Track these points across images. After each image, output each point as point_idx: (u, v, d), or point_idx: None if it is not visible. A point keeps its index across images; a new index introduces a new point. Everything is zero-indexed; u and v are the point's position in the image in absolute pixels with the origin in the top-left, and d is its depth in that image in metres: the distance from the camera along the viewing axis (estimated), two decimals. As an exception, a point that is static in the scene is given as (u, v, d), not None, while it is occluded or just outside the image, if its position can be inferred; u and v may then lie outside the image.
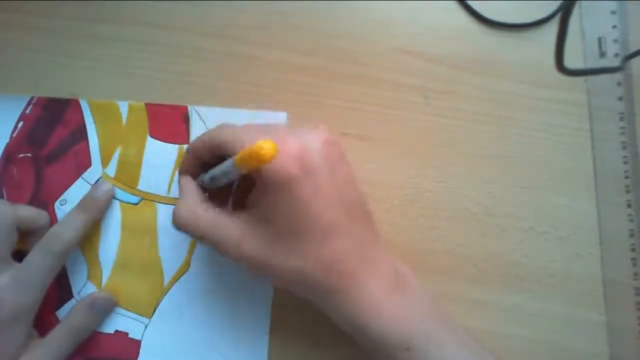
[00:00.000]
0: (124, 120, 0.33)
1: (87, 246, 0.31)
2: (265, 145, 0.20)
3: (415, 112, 0.33)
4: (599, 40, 0.34)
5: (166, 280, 0.31)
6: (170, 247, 0.31)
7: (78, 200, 0.31)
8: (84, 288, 0.31)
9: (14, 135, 0.33)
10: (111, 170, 0.32)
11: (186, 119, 0.33)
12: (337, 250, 0.24)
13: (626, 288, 0.30)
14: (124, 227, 0.32)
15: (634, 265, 0.31)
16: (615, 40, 0.34)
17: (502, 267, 0.31)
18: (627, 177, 0.32)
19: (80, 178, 0.32)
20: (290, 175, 0.23)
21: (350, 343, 0.26)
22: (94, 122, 0.33)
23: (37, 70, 0.34)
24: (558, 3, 0.34)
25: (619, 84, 0.33)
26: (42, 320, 0.30)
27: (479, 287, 0.31)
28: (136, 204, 0.32)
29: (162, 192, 0.32)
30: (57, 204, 0.32)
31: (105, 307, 0.30)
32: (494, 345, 0.30)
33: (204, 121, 0.33)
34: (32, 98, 0.33)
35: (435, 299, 0.26)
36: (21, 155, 0.33)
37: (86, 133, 0.33)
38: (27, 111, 0.33)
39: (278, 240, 0.24)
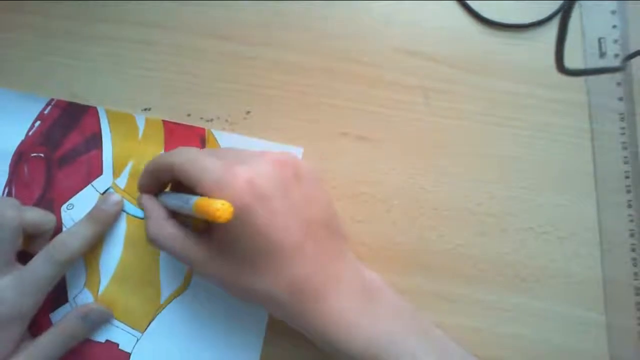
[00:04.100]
0: (140, 133, 0.33)
1: (89, 254, 0.31)
2: (221, 208, 0.21)
3: (415, 112, 0.33)
4: (599, 40, 0.34)
5: (163, 298, 0.31)
6: (171, 266, 0.31)
7: (85, 206, 0.31)
8: (80, 294, 0.31)
9: (30, 133, 0.33)
10: (122, 181, 0.32)
11: (202, 141, 0.33)
12: (299, 272, 0.24)
13: (626, 288, 0.30)
14: (127, 240, 0.32)
15: (634, 265, 0.31)
16: (615, 41, 0.34)
17: (502, 267, 0.31)
18: (627, 177, 0.32)
19: (89, 185, 0.32)
20: (243, 205, 0.23)
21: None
22: (110, 131, 0.33)
23: (37, 70, 0.34)
24: (558, 3, 0.34)
25: (619, 84, 0.33)
26: (35, 321, 0.30)
27: (479, 287, 0.31)
28: (142, 219, 0.32)
29: None
30: (64, 207, 0.32)
31: (99, 320, 0.30)
32: (494, 345, 0.30)
33: (220, 145, 0.33)
34: (51, 100, 0.34)
35: (410, 307, 0.26)
36: (34, 154, 0.33)
37: (101, 141, 0.33)
38: (46, 111, 0.33)
39: (241, 264, 0.24)
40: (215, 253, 0.25)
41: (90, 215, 0.30)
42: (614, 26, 0.34)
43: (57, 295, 0.31)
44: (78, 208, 0.32)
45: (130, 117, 0.33)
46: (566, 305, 0.30)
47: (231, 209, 0.21)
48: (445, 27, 0.34)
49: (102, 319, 0.30)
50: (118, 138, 0.33)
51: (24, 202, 0.31)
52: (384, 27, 0.34)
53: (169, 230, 0.26)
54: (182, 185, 0.26)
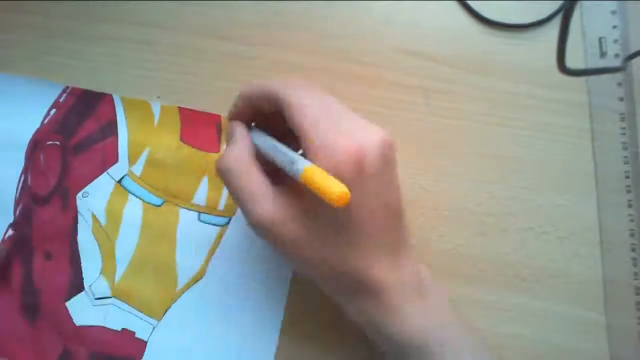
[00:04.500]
0: (156, 120, 0.33)
1: (105, 241, 0.31)
2: (340, 196, 0.20)
3: (415, 112, 0.33)
4: (600, 40, 0.34)
5: (179, 286, 0.31)
6: (188, 254, 0.31)
7: (100, 194, 0.32)
8: (96, 282, 0.31)
9: (45, 121, 0.33)
10: (138, 169, 0.32)
11: (218, 128, 0.33)
12: (371, 255, 0.24)
13: (626, 288, 0.30)
14: (144, 227, 0.32)
15: (634, 265, 0.31)
16: (615, 41, 0.34)
17: (502, 267, 0.31)
18: (627, 177, 0.32)
19: (105, 173, 0.32)
20: (344, 180, 0.21)
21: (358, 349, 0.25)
22: (126, 118, 0.33)
23: (37, 70, 0.34)
24: (558, 3, 0.34)
25: (619, 84, 0.33)
26: (52, 309, 0.30)
27: (479, 287, 0.31)
28: (159, 206, 0.32)
29: (187, 197, 0.32)
30: (79, 195, 0.32)
31: None
32: (494, 345, 0.30)
33: None
34: (67, 87, 0.34)
35: (454, 308, 0.26)
36: (50, 142, 0.33)
37: (116, 129, 0.33)
38: (61, 99, 0.33)
39: (317, 232, 0.23)
40: (294, 212, 0.23)
41: None
42: (614, 26, 0.34)
43: (73, 283, 0.31)
44: (93, 196, 0.32)
45: (146, 104, 0.33)
46: (566, 305, 0.30)
47: (348, 196, 0.20)
48: (446, 27, 0.34)
49: None
50: (134, 125, 0.33)
51: (40, 191, 0.31)
52: (384, 27, 0.34)
53: (251, 167, 0.24)
54: (274, 120, 0.25)
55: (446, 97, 0.33)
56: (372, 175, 0.23)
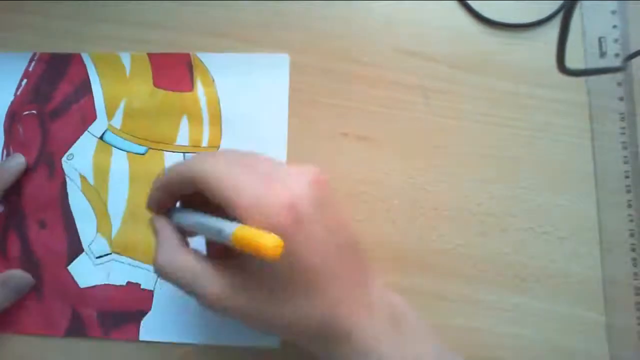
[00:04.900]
0: (128, 71, 0.33)
1: (96, 199, 0.32)
2: (273, 246, 0.20)
3: (415, 112, 0.33)
4: (600, 40, 0.34)
5: None
6: None
7: (85, 153, 0.32)
8: (94, 242, 0.31)
9: (18, 93, 0.33)
10: (117, 121, 0.33)
11: (189, 67, 0.33)
12: (332, 297, 0.23)
13: (626, 288, 0.30)
14: (132, 177, 0.32)
15: (634, 265, 0.31)
16: (615, 40, 0.34)
17: (502, 267, 0.31)
18: (627, 177, 0.32)
19: (86, 132, 0.33)
20: (279, 230, 0.21)
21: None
22: (98, 75, 0.33)
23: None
24: (558, 3, 0.34)
25: (619, 84, 0.33)
26: (55, 276, 0.31)
27: (479, 287, 0.31)
28: (143, 154, 0.32)
29: (170, 140, 0.32)
30: (64, 159, 0.32)
31: (19, 285, 0.30)
32: (494, 345, 0.30)
33: (207, 67, 0.33)
34: (34, 54, 0.34)
35: (432, 331, 0.26)
36: (26, 112, 0.33)
37: (90, 86, 0.33)
38: (30, 68, 0.34)
39: (270, 292, 0.23)
40: (236, 283, 0.23)
41: None
42: (614, 26, 0.34)
43: (72, 246, 0.32)
44: (78, 157, 0.32)
45: (115, 56, 0.34)
46: (566, 305, 0.30)
47: (282, 245, 0.20)
48: (445, 27, 0.34)
49: (23, 285, 0.31)
50: (106, 80, 0.33)
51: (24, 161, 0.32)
52: (384, 27, 0.34)
53: (180, 260, 0.23)
54: (197, 199, 0.24)
55: (446, 97, 0.33)
56: (312, 221, 0.22)
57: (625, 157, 0.32)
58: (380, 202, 0.32)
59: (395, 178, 0.32)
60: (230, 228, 0.21)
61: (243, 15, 0.34)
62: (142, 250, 0.31)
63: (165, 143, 0.32)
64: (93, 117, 0.33)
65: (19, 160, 0.32)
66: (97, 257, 0.31)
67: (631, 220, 0.31)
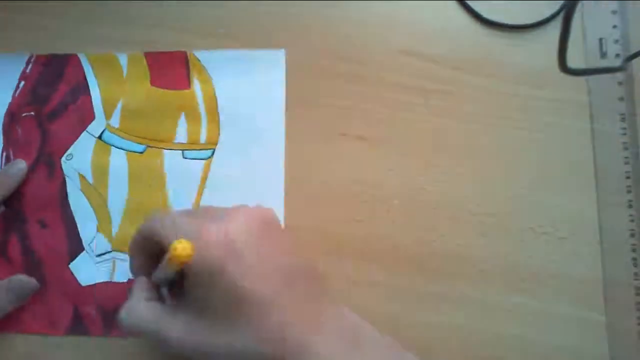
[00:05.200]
0: (125, 71, 0.33)
1: (96, 199, 0.32)
2: (179, 246, 0.21)
3: (415, 113, 0.33)
4: (600, 40, 0.34)
5: None
6: (179, 191, 0.32)
7: (84, 153, 0.32)
8: (94, 240, 0.32)
9: (16, 94, 0.33)
10: (115, 121, 0.33)
11: (186, 65, 0.33)
12: (280, 321, 0.23)
13: (627, 288, 0.30)
14: (131, 176, 0.32)
15: (635, 265, 0.31)
16: (616, 41, 0.34)
17: (502, 267, 0.31)
18: (628, 178, 0.32)
19: (85, 132, 0.33)
20: (216, 262, 0.23)
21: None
22: (95, 75, 0.33)
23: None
24: (559, 3, 0.34)
25: (620, 84, 0.33)
26: (57, 275, 0.31)
27: (479, 288, 0.31)
28: (142, 153, 0.32)
29: (169, 139, 0.33)
30: (63, 159, 0.33)
31: (24, 290, 0.31)
32: (494, 345, 0.30)
33: (204, 64, 0.33)
34: (31, 56, 0.34)
35: (393, 343, 0.26)
36: (24, 114, 0.33)
37: (88, 87, 0.33)
38: (28, 70, 0.34)
39: (218, 326, 0.23)
40: (189, 322, 0.24)
41: None
42: (615, 26, 0.34)
43: (73, 245, 0.32)
44: (77, 156, 0.33)
45: (112, 56, 0.34)
46: (566, 305, 0.30)
47: (190, 245, 0.21)
48: (446, 27, 0.34)
49: (28, 288, 0.31)
50: (104, 80, 0.33)
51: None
52: (383, 27, 0.34)
53: (139, 311, 0.25)
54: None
55: (446, 97, 0.33)
56: (248, 251, 0.23)
57: (625, 157, 0.32)
58: (380, 203, 0.32)
59: (395, 178, 0.32)
60: (166, 256, 0.23)
61: (243, 15, 0.35)
62: None
63: (163, 141, 0.33)
64: (91, 117, 0.33)
65: (20, 167, 0.32)
66: (98, 255, 0.32)
67: (632, 221, 0.31)
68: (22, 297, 0.31)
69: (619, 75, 0.33)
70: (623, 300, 0.30)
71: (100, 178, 0.32)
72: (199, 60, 0.33)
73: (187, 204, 0.32)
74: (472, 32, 0.34)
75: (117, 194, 0.32)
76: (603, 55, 0.34)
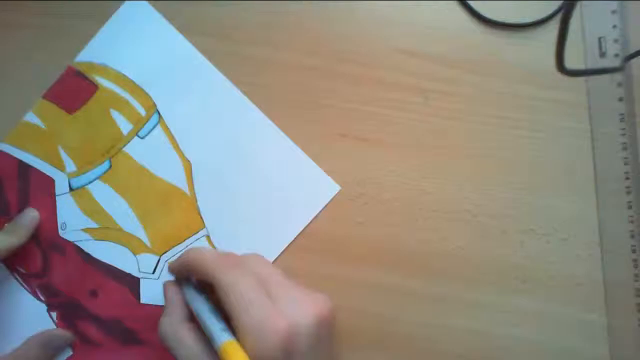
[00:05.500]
0: (41, 124, 0.33)
1: (112, 234, 0.32)
2: (232, 353, 0.22)
3: (414, 113, 0.33)
4: (599, 40, 0.34)
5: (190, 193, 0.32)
6: (168, 170, 0.32)
7: (72, 213, 0.32)
8: (139, 264, 0.32)
9: None
10: (70, 166, 0.33)
11: (81, 73, 0.33)
12: None
13: (627, 289, 0.30)
14: (120, 191, 0.32)
15: (635, 266, 0.31)
16: (615, 40, 0.34)
17: (502, 268, 0.31)
18: (627, 179, 0.32)
19: (56, 197, 0.32)
20: (272, 358, 0.22)
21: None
22: (25, 150, 0.33)
23: (37, 71, 0.34)
24: (558, 3, 0.34)
25: (619, 84, 0.33)
26: (136, 319, 0.31)
27: (480, 289, 0.31)
28: (110, 167, 0.33)
29: (118, 138, 0.33)
30: (60, 232, 0.32)
31: (60, 345, 0.31)
32: (495, 346, 0.30)
33: (91, 61, 0.33)
34: None
35: None
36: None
37: (26, 165, 0.33)
38: None
39: None
40: None
41: (8, 229, 0.31)
42: (614, 26, 0.34)
43: (131, 285, 0.32)
44: (69, 220, 0.32)
45: (24, 123, 0.33)
46: (567, 306, 0.30)
47: (242, 355, 0.22)
48: (445, 27, 0.34)
49: (64, 344, 0.31)
50: (34, 146, 0.33)
51: (33, 269, 0.32)
52: (384, 27, 0.34)
53: (182, 335, 0.25)
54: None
55: (446, 97, 0.33)
56: (304, 354, 0.23)
57: (625, 158, 0.32)
58: (379, 204, 0.32)
59: (394, 179, 0.32)
60: (220, 339, 0.23)
61: (243, 15, 0.34)
62: (176, 230, 0.32)
63: (116, 143, 0.33)
64: (52, 182, 0.33)
65: (32, 215, 0.32)
66: (153, 272, 0.32)
67: (632, 222, 0.31)
68: (59, 353, 0.31)
69: (618, 76, 0.33)
70: (624, 301, 0.30)
71: (101, 216, 0.32)
72: (85, 61, 0.34)
73: (179, 181, 0.32)
74: (471, 31, 0.34)
75: (122, 214, 0.32)
76: (602, 54, 0.34)
